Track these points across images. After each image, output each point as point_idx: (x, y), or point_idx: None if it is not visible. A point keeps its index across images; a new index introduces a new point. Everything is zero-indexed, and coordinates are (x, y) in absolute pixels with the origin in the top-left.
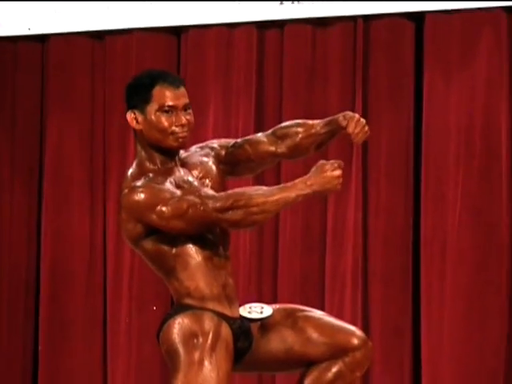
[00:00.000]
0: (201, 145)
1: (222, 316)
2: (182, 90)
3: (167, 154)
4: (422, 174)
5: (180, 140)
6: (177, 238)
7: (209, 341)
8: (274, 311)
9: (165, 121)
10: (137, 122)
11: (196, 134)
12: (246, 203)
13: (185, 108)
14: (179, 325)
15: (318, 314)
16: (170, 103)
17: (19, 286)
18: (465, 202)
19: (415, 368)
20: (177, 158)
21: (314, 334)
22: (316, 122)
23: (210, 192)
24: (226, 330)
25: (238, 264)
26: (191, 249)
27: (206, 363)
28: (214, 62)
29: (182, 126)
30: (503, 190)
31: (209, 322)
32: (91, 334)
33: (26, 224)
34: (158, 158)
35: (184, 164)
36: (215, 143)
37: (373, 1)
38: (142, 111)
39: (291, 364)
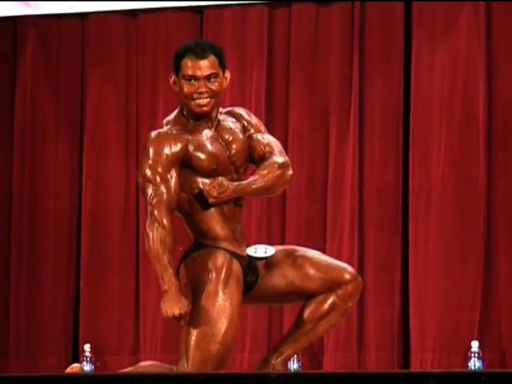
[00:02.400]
0: (241, 111)
1: (233, 254)
2: (208, 60)
3: (204, 116)
4: (410, 133)
5: (201, 107)
6: (191, 187)
7: (222, 275)
8: (277, 251)
9: (186, 88)
10: (175, 84)
11: None
12: (150, 246)
13: (208, 77)
14: (195, 261)
15: (314, 253)
16: (191, 73)
17: (63, 229)
18: (447, 158)
19: (404, 300)
20: (211, 118)
21: (311, 271)
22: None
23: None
24: (236, 266)
25: (250, 212)
26: (204, 198)
27: (221, 294)
28: (230, 36)
29: (201, 93)
30: (480, 147)
31: (222, 258)
32: (126, 271)
33: (69, 175)
34: (190, 116)
35: (219, 125)
36: (252, 126)
37: None
38: (177, 77)
39: (292, 297)
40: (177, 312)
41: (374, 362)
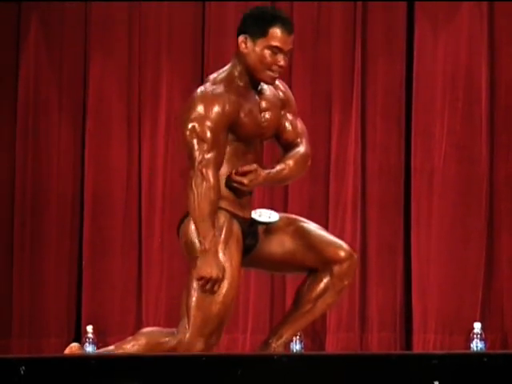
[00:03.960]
0: (282, 87)
1: (233, 215)
2: (292, 37)
3: (254, 81)
4: (412, 115)
5: (273, 79)
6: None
7: (222, 235)
8: (280, 218)
9: (269, 57)
10: (245, 46)
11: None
12: (196, 205)
13: (287, 53)
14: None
15: (314, 226)
16: (279, 45)
17: (66, 209)
18: (449, 139)
19: (406, 281)
20: (258, 87)
21: (307, 244)
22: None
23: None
24: (236, 227)
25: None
26: (227, 160)
27: (221, 255)
28: (233, 22)
29: (280, 66)
30: (483, 129)
31: (222, 219)
32: (128, 252)
33: (72, 155)
34: (245, 80)
35: (261, 92)
36: (290, 106)
37: None
38: (254, 41)
39: (288, 267)
40: (214, 274)
41: (376, 343)
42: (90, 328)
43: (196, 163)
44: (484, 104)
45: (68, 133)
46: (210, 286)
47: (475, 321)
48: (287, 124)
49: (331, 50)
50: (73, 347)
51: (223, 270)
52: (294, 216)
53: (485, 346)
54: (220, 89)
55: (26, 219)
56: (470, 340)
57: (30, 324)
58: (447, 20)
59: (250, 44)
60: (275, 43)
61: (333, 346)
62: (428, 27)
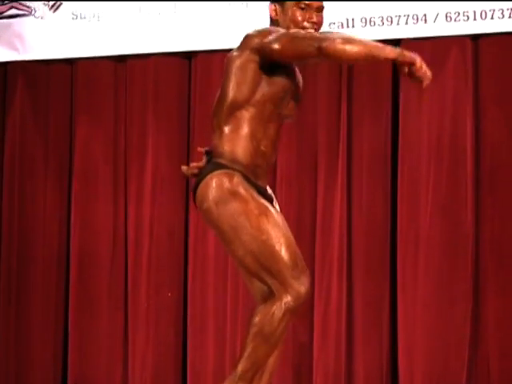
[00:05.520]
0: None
1: (247, 178)
2: None
3: None
4: (398, 176)
5: None
6: (250, 104)
7: (243, 190)
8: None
9: (299, 15)
10: (276, 13)
11: (205, 133)
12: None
13: (318, 10)
14: (219, 182)
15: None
16: (306, 1)
17: (51, 270)
18: (435, 201)
19: (392, 342)
20: None
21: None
22: None
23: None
24: (248, 184)
25: None
26: (251, 120)
27: (257, 210)
28: (219, 81)
29: (313, 23)
30: (468, 191)
31: (237, 179)
32: (114, 313)
33: (58, 215)
34: None
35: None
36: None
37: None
38: (282, 5)
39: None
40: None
41: None
42: None
43: (314, 38)
44: (469, 165)
45: (54, 193)
46: (424, 66)
47: (461, 382)
48: None
49: (317, 109)
50: None
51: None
52: (284, 221)
53: None
54: None
55: (12, 278)
56: None
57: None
58: (432, 81)
59: (279, 10)
60: (304, 0)
61: None
62: (413, 88)
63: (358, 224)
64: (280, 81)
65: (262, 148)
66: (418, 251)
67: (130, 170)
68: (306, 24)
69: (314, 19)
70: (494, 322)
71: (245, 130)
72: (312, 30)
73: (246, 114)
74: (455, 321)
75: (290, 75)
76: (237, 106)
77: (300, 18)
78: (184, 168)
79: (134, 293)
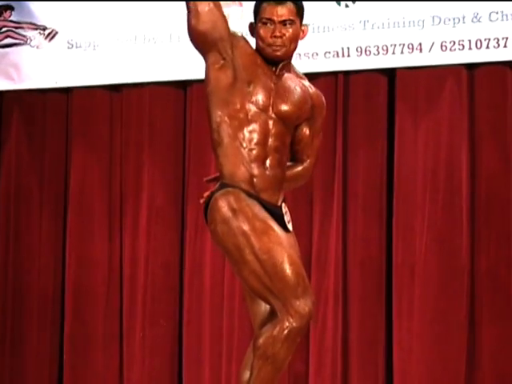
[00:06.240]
0: (306, 81)
1: (247, 193)
2: (285, 7)
3: (270, 61)
4: (393, 207)
5: (276, 51)
6: (226, 116)
7: (251, 208)
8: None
9: (262, 32)
10: (252, 32)
11: (201, 164)
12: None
13: (284, 23)
14: (221, 203)
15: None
16: (267, 16)
17: (47, 304)
18: (430, 232)
19: (388, 375)
20: (278, 67)
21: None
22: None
23: None
24: (250, 199)
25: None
26: (232, 129)
27: (258, 229)
28: None
29: (276, 37)
30: (463, 221)
31: (238, 197)
32: (110, 346)
33: (53, 249)
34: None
35: (280, 76)
36: (319, 120)
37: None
38: (256, 23)
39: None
40: None
41: None
42: None
43: None
44: (465, 196)
45: (49, 225)
46: None
47: None
48: (306, 139)
49: None
50: None
51: None
52: (297, 247)
53: None
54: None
55: (7, 314)
56: None
57: None
58: (427, 111)
59: (254, 30)
60: (264, 15)
61: None
62: (408, 119)
63: (353, 255)
64: (240, 80)
65: (254, 153)
66: (413, 282)
67: (125, 201)
68: (269, 40)
69: (277, 33)
70: (490, 354)
71: (231, 142)
72: (277, 45)
73: (226, 127)
74: (451, 352)
75: (249, 69)
76: (217, 124)
77: (263, 34)
78: (201, 201)
79: (128, 328)
